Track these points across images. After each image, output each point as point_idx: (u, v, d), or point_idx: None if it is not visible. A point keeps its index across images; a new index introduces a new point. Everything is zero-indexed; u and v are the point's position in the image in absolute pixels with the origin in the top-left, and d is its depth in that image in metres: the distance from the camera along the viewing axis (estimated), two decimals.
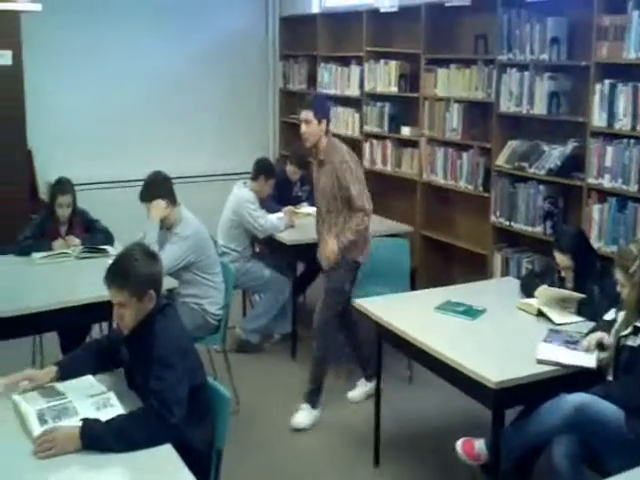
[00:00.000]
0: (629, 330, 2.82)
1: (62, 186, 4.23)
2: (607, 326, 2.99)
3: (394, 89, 5.83)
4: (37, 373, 2.59)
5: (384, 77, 5.93)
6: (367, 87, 6.12)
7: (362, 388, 4.20)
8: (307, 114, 3.83)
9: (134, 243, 2.74)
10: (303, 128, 3.86)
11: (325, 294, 3.97)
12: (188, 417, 2.38)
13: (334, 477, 3.53)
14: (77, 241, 4.16)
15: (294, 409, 3.97)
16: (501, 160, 4.82)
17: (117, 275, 2.49)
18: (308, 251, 4.82)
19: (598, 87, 4.10)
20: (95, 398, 2.43)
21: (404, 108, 5.89)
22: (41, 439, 2.18)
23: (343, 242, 3.84)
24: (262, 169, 4.96)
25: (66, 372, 2.58)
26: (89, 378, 2.57)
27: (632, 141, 3.96)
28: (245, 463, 3.49)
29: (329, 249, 3.86)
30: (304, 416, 3.91)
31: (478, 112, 5.12)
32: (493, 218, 4.91)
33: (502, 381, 2.72)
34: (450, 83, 5.27)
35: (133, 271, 2.47)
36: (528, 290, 3.54)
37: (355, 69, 6.29)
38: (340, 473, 3.55)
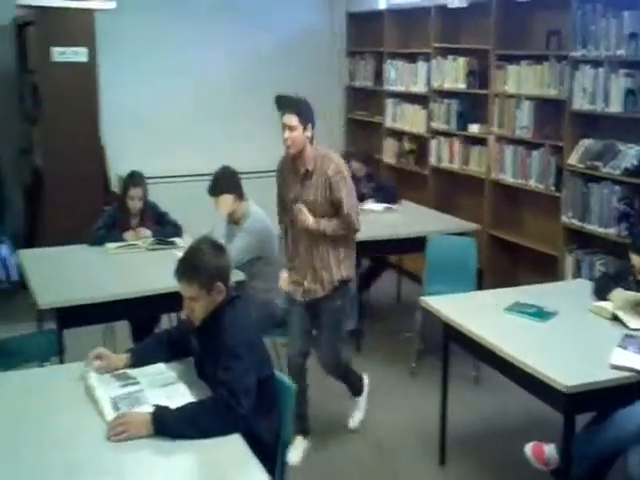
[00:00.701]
0: None
1: (134, 179, 4.33)
2: None
3: (462, 86, 5.75)
4: (109, 353, 2.65)
5: (452, 73, 5.85)
6: (434, 84, 6.05)
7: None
8: (291, 119, 3.34)
9: (201, 237, 2.77)
10: (286, 134, 3.35)
11: (329, 330, 3.56)
12: (255, 408, 2.40)
13: (399, 475, 3.51)
14: (148, 233, 4.26)
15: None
16: (573, 159, 4.68)
17: (186, 269, 2.53)
18: (374, 247, 4.82)
19: None
20: (167, 387, 2.47)
21: (472, 105, 5.80)
22: (114, 423, 2.23)
23: (322, 226, 3.44)
24: None
25: (138, 359, 2.64)
26: (160, 366, 2.63)
27: None
28: (310, 457, 3.50)
29: (305, 217, 3.42)
30: (358, 414, 3.91)
31: (550, 110, 4.99)
32: (564, 218, 4.78)
33: (575, 385, 2.64)
34: (521, 80, 5.16)
35: (201, 265, 2.51)
36: (602, 293, 3.42)
37: (422, 65, 6.23)
38: (405, 471, 3.53)
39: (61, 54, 5.36)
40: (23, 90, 6.04)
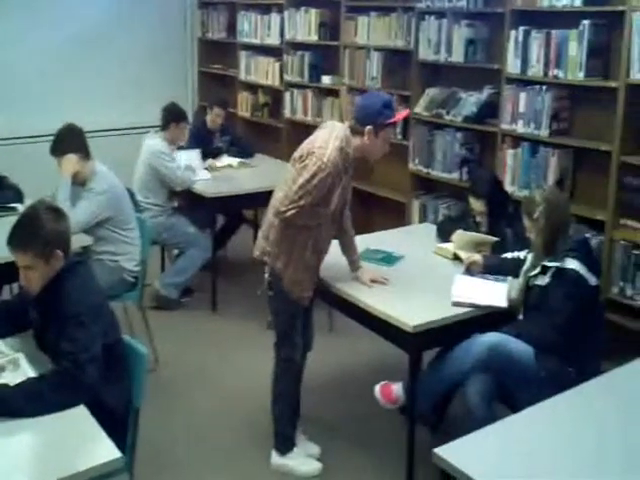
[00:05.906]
0: (537, 270, 2.92)
1: None
2: (511, 263, 3.16)
3: (314, 37, 5.75)
4: None
5: (304, 25, 5.83)
6: (287, 36, 6.01)
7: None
8: None
9: (37, 201, 2.62)
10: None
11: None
12: (103, 376, 2.33)
13: (247, 422, 3.52)
14: None
15: (216, 360, 3.93)
16: (420, 108, 4.83)
17: (21, 237, 2.39)
18: (229, 203, 4.78)
19: (513, 34, 4.13)
20: (5, 363, 2.35)
21: (325, 57, 5.82)
22: None
23: None
24: (170, 115, 4.80)
25: None
26: None
27: (544, 87, 4.03)
28: (165, 421, 3.46)
29: None
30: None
31: (398, 60, 5.10)
32: (411, 166, 4.95)
33: (419, 324, 2.78)
34: (370, 31, 5.22)
35: (37, 232, 2.37)
36: (445, 235, 3.60)
37: (275, 17, 6.17)
38: (253, 420, 3.53)
39: None
40: None
